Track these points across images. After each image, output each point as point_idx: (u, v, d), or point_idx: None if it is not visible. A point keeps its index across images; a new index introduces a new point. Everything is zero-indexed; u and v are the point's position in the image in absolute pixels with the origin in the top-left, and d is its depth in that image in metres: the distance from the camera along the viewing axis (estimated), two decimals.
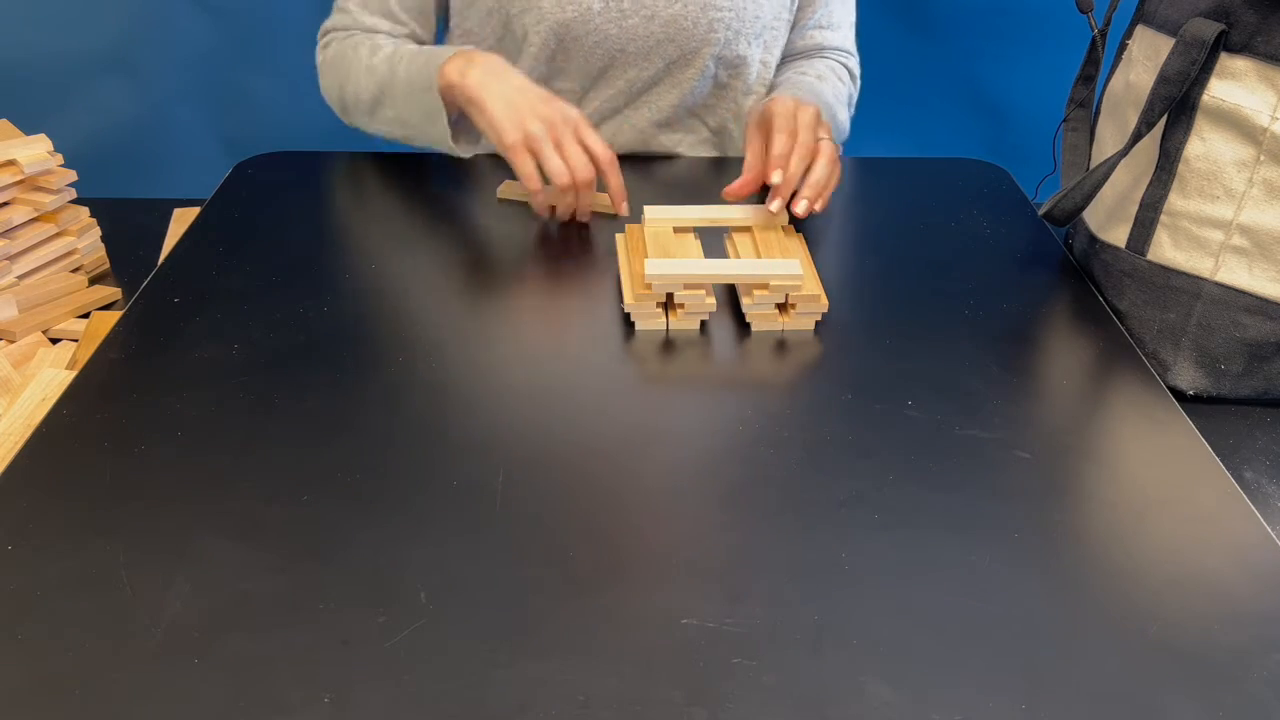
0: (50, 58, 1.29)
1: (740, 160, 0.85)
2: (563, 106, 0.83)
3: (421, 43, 0.99)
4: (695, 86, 0.98)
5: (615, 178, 0.85)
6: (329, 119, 1.33)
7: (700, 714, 0.46)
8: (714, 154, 1.05)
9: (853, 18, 1.08)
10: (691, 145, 1.04)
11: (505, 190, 0.91)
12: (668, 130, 1.02)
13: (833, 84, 1.01)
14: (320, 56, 0.99)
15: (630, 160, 1.01)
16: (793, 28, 1.03)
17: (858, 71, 1.08)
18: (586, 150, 0.83)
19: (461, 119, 0.89)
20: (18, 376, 0.76)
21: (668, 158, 1.03)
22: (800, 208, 0.79)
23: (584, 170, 0.82)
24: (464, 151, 0.90)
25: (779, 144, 0.80)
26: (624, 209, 0.87)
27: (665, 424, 0.65)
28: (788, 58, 1.05)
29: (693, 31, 0.94)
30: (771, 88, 1.02)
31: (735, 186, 0.82)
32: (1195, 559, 0.56)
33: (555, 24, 0.92)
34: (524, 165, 0.82)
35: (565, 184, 0.82)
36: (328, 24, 1.00)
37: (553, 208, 0.86)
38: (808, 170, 0.81)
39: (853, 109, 1.07)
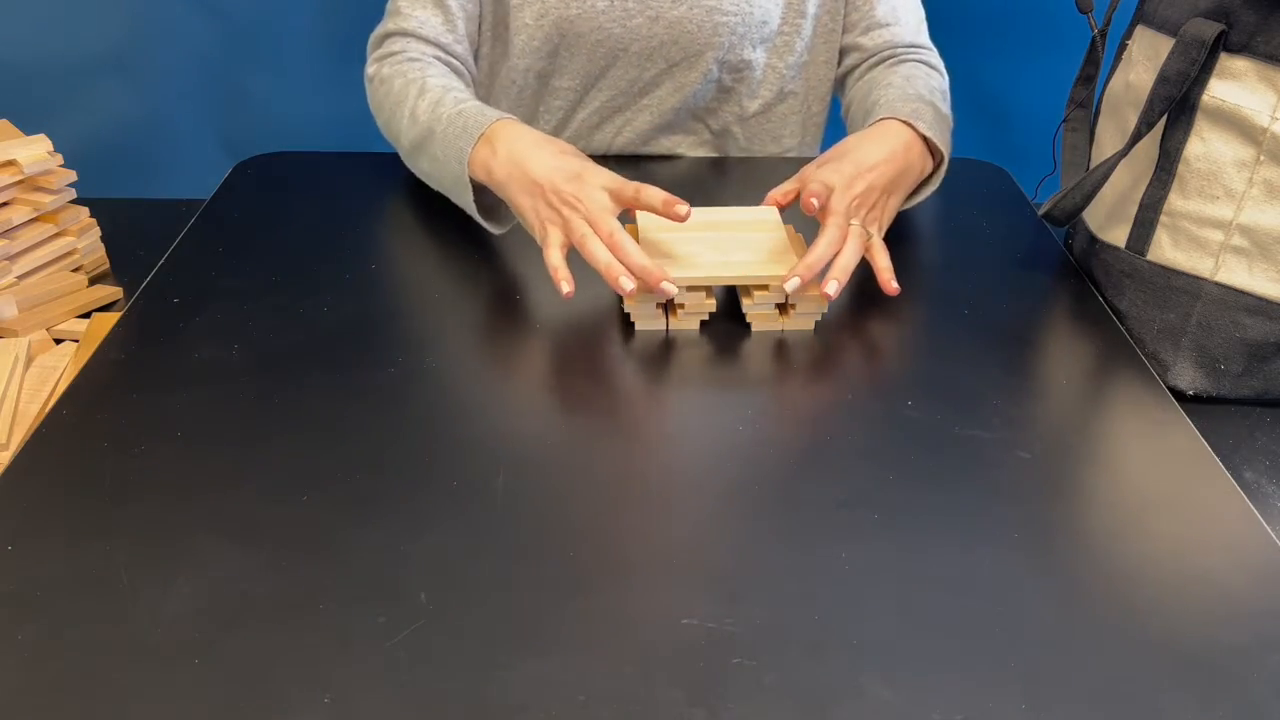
0: (50, 58, 1.29)
1: (740, 161, 0.84)
2: (586, 193, 0.73)
3: (474, 32, 0.95)
4: (697, 90, 0.98)
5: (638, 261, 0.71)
6: (329, 119, 1.32)
7: (700, 714, 0.46)
8: (714, 155, 1.05)
9: (921, 13, 1.02)
10: (690, 147, 1.04)
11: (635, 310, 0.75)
12: (667, 132, 1.02)
13: (924, 80, 0.93)
14: (370, 69, 0.94)
15: (629, 161, 1.01)
16: (853, 30, 0.99)
17: (941, 66, 1.00)
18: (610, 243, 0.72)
19: (497, 202, 0.84)
20: (19, 377, 0.76)
21: (667, 158, 1.03)
22: (830, 289, 0.72)
23: (606, 262, 0.71)
24: (496, 229, 0.84)
25: (820, 249, 0.73)
26: (662, 288, 0.71)
27: (665, 424, 0.65)
28: (863, 63, 1.01)
29: (696, 34, 0.94)
30: (850, 101, 0.99)
31: (776, 195, 0.80)
32: (1195, 559, 0.56)
33: (558, 19, 0.92)
34: (550, 259, 0.73)
35: (603, 271, 0.71)
36: (380, 30, 0.95)
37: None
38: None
39: (948, 101, 0.97)
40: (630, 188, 0.73)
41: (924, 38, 1.02)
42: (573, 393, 0.68)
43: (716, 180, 0.90)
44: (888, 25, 1.00)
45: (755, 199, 0.83)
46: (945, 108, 0.92)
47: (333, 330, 0.73)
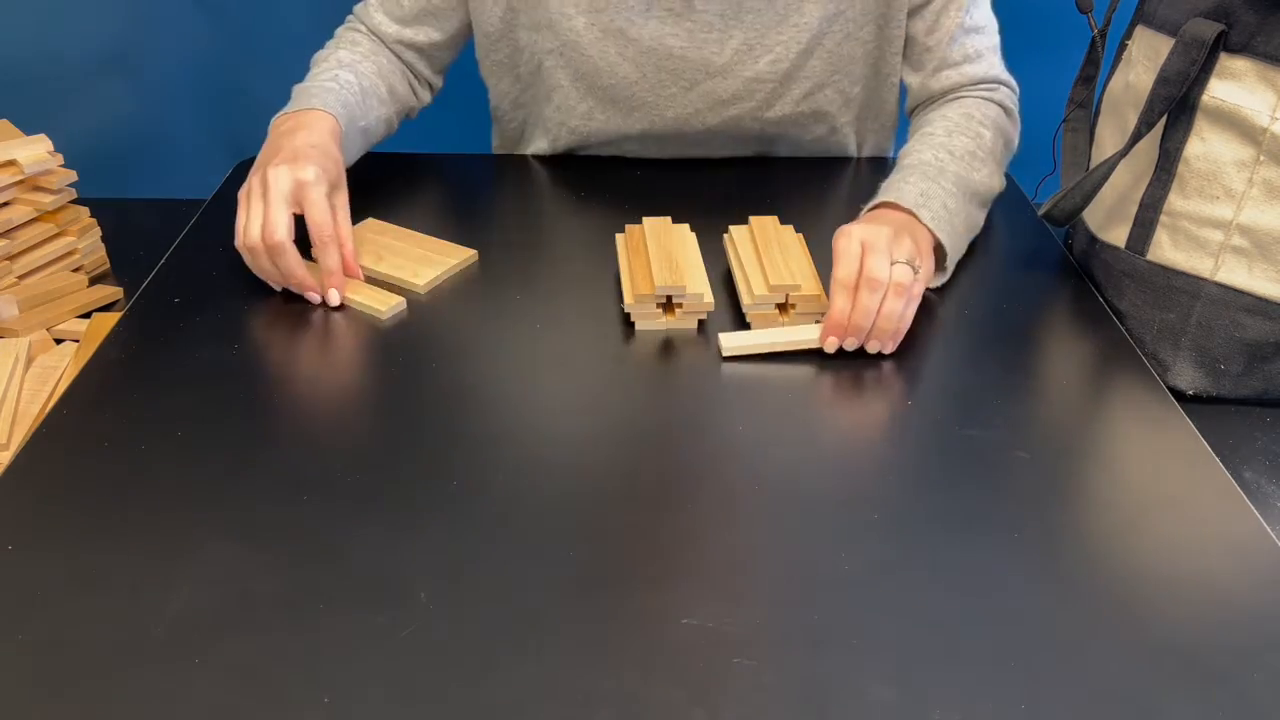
0: (50, 58, 1.29)
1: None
2: (298, 170, 0.74)
3: (429, 48, 0.95)
4: (730, 130, 0.96)
5: (331, 256, 0.74)
6: None
7: (700, 714, 0.46)
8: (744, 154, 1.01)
9: (994, 40, 0.93)
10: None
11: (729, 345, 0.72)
12: (696, 149, 1.00)
13: (962, 141, 0.84)
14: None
15: (666, 165, 0.98)
16: (922, 69, 0.93)
17: (1012, 101, 0.93)
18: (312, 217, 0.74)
19: None
20: (20, 377, 0.76)
21: (709, 162, 0.99)
22: (871, 347, 0.71)
23: (269, 232, 0.72)
24: None
25: (836, 308, 0.69)
26: (331, 296, 0.75)
27: (665, 424, 0.65)
28: (927, 102, 0.95)
29: (732, 102, 0.93)
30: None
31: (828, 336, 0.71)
32: (1195, 559, 0.56)
33: (592, 86, 0.93)
34: (239, 217, 0.75)
35: (241, 243, 0.74)
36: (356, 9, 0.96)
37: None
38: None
39: (1013, 150, 0.92)
40: (321, 214, 0.75)
41: (996, 69, 0.93)
42: (573, 393, 0.68)
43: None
44: (958, 65, 0.91)
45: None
46: (981, 174, 0.83)
47: (333, 330, 0.73)
